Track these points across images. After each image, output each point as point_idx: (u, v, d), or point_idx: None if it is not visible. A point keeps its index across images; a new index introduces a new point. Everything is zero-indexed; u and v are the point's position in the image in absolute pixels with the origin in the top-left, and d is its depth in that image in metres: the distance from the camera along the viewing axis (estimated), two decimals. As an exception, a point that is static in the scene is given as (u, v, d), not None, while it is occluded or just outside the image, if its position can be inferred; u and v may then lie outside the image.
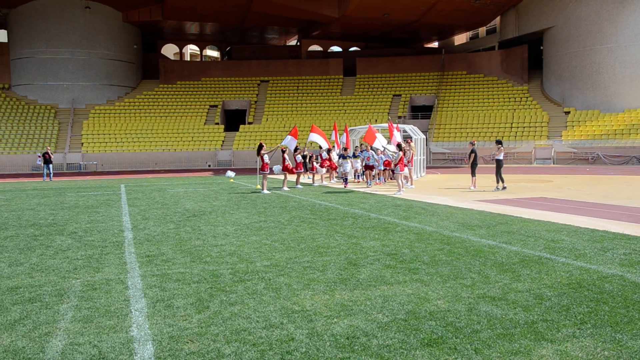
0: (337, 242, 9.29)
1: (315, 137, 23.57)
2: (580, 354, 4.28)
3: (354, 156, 24.40)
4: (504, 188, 19.15)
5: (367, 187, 21.68)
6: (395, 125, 24.53)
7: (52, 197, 19.96)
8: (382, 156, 22.91)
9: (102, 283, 6.81)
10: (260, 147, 20.50)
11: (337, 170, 24.86)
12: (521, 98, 50.46)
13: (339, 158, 24.60)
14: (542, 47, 51.19)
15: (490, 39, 57.83)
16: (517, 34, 51.12)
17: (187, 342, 4.66)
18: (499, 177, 19.37)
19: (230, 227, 11.30)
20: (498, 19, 53.99)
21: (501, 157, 19.54)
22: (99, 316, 5.46)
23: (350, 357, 4.28)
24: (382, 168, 23.07)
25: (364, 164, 23.37)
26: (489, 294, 5.97)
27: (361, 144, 24.46)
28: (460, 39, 63.17)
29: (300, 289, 6.31)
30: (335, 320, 5.17)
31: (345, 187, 21.59)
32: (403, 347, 4.47)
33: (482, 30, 59.36)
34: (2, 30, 58.45)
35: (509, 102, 50.45)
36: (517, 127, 46.38)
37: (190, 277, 7.00)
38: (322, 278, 6.79)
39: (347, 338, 4.68)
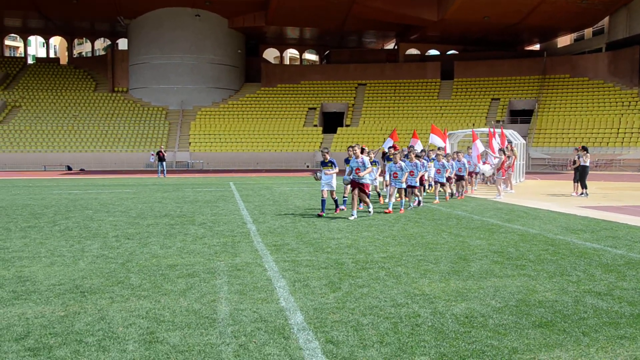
0: (445, 240, 9.98)
1: (434, 139, 23.58)
2: (681, 342, 4.78)
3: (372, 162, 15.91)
4: (587, 195, 19.49)
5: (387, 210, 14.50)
6: (497, 130, 24.38)
7: (172, 192, 21.89)
8: (448, 163, 17.92)
9: (243, 265, 7.93)
10: (362, 151, 21.32)
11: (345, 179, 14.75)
12: (630, 102, 48.14)
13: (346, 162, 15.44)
14: (655, 48, 48.58)
15: (596, 41, 55.50)
16: (627, 34, 48.74)
17: (330, 314, 5.59)
18: (584, 182, 19.85)
19: (342, 223, 12.26)
20: (606, 19, 51.75)
21: (588, 164, 19.74)
22: (249, 291, 6.52)
23: (471, 331, 5.03)
24: (442, 179, 17.66)
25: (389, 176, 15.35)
26: (594, 290, 6.48)
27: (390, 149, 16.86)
28: (563, 40, 61.05)
29: (418, 277, 7.11)
30: (453, 303, 5.92)
31: (336, 211, 14.36)
32: (517, 326, 5.16)
33: (587, 32, 57.06)
34: (124, 39, 63.44)
35: (616, 106, 48.29)
36: (625, 133, 44.37)
37: (318, 264, 7.98)
38: (436, 269, 7.55)
39: (466, 317, 5.43)
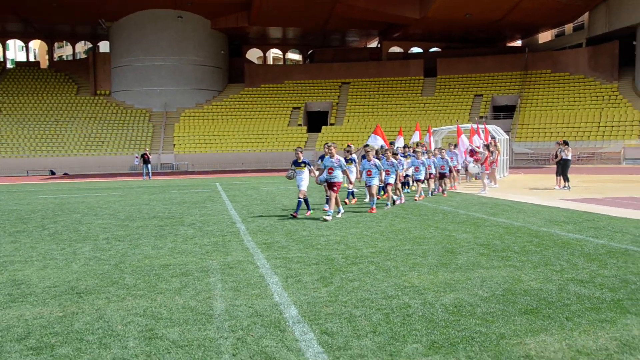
0: (432, 234, 10.19)
1: (415, 136, 24.08)
2: (660, 324, 5.01)
3: (347, 161, 15.29)
4: (569, 188, 19.80)
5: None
6: (480, 127, 24.69)
7: (158, 194, 21.91)
8: (428, 160, 17.63)
9: (235, 263, 8.05)
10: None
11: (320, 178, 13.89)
12: (610, 96, 48.93)
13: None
14: (634, 43, 49.37)
15: (577, 36, 56.30)
16: (607, 29, 49.55)
17: (323, 307, 5.75)
18: (566, 176, 20.19)
19: (330, 221, 12.42)
20: (586, 14, 52.51)
21: (570, 157, 20.10)
22: (243, 287, 6.65)
23: (460, 319, 5.22)
24: (421, 177, 17.23)
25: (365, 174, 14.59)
26: (577, 278, 6.71)
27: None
28: (544, 36, 61.81)
29: (407, 270, 7.29)
30: (442, 294, 6.11)
31: (308, 214, 13.58)
32: (504, 314, 5.36)
33: (568, 27, 57.86)
34: (105, 42, 63.07)
35: (597, 100, 49.06)
36: (605, 126, 45.09)
37: (309, 260, 8.13)
38: (425, 262, 7.74)
39: (455, 307, 5.62)
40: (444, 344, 4.59)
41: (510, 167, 34.24)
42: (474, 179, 24.30)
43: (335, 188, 12.90)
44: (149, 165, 35.96)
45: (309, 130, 53.50)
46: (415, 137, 24.86)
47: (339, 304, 5.82)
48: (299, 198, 13.46)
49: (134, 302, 6.07)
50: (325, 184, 13.32)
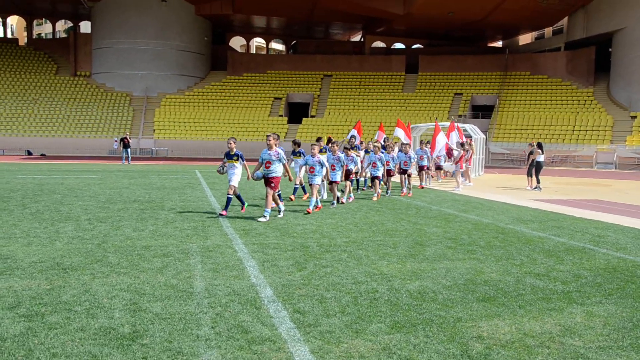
0: (403, 227, 10.66)
1: (399, 132, 24.13)
2: (602, 314, 5.52)
3: (295, 154, 14.65)
4: (540, 189, 20.41)
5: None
6: (455, 125, 25.22)
7: (138, 178, 22.08)
8: (388, 156, 16.78)
9: (214, 247, 8.41)
10: (329, 141, 21.80)
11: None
12: (585, 101, 50.03)
13: (292, 154, 14.80)
14: (610, 49, 50.52)
15: (556, 40, 57.34)
16: (585, 35, 50.61)
17: (297, 289, 6.15)
18: (537, 177, 20.80)
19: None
20: (565, 19, 53.54)
21: (541, 160, 20.74)
22: (222, 269, 7.03)
23: (422, 304, 5.67)
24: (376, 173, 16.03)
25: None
26: (534, 271, 7.22)
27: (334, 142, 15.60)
28: (525, 38, 62.80)
29: (377, 259, 7.74)
30: (408, 281, 6.56)
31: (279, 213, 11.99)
32: (463, 300, 5.82)
33: (548, 31, 58.91)
34: (86, 22, 62.34)
35: (573, 104, 50.12)
36: (580, 130, 46.15)
37: (285, 246, 8.53)
38: (394, 253, 8.20)
39: (419, 293, 6.07)
40: (406, 325, 5.04)
41: (486, 167, 34.99)
42: (443, 177, 24.81)
43: (272, 184, 11.51)
44: (129, 150, 35.93)
45: (290, 122, 53.76)
46: (397, 133, 24.79)
47: (311, 287, 6.24)
48: (228, 194, 12.14)
49: (118, 279, 6.41)
50: (263, 180, 11.87)
